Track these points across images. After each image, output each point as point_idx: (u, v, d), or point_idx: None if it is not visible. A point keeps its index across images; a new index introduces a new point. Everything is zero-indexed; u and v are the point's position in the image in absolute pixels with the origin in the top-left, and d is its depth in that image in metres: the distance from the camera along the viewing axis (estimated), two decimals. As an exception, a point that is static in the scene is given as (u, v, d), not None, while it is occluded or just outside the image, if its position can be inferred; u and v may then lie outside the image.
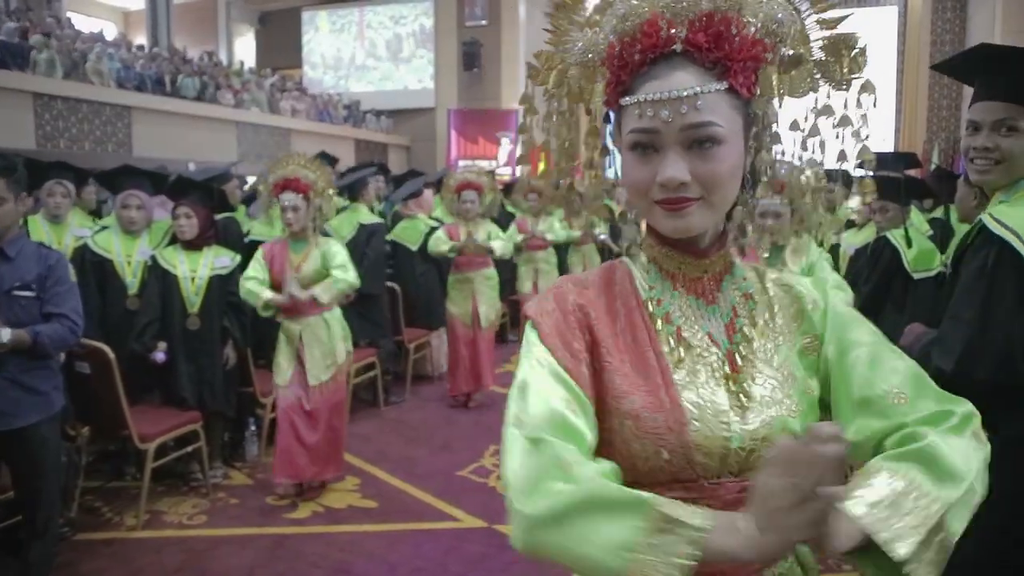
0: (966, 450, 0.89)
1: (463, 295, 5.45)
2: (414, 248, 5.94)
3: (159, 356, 3.77)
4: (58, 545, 3.05)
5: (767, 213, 3.12)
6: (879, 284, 3.58)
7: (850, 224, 5.52)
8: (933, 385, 0.97)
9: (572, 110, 1.09)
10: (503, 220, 7.02)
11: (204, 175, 4.90)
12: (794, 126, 1.05)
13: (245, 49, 21.29)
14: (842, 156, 1.07)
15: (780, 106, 0.98)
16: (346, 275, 3.80)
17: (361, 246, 5.33)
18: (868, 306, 3.30)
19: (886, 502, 0.82)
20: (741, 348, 0.99)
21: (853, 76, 0.98)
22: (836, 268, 5.43)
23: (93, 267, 3.91)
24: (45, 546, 2.79)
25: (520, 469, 0.86)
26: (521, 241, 6.49)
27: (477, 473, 4.20)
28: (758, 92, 0.94)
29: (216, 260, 3.94)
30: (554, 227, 7.01)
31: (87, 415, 3.53)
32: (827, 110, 1.02)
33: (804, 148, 1.03)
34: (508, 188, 8.67)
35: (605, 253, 10.86)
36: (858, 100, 1.01)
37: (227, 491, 3.94)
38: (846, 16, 0.99)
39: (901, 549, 0.79)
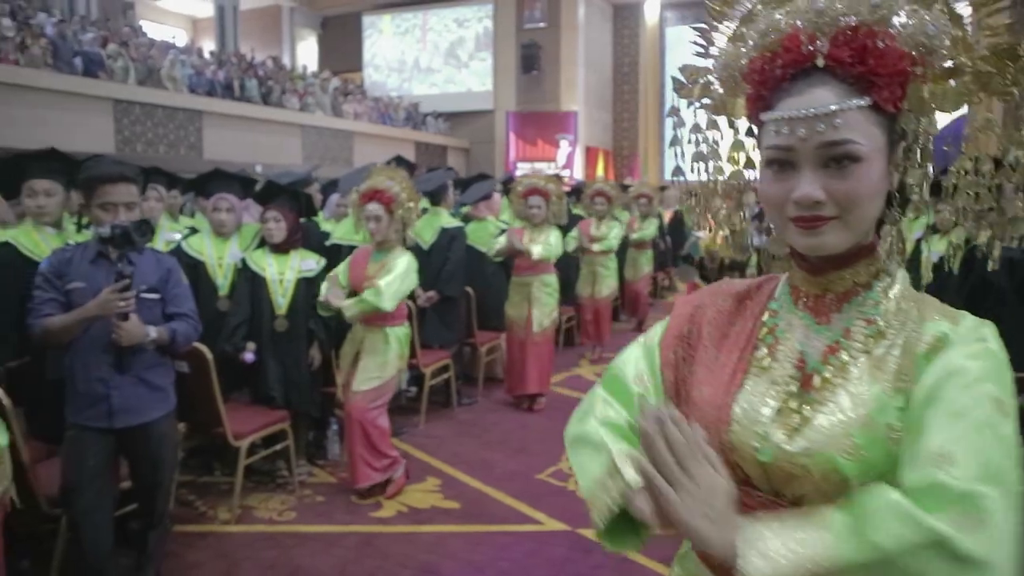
0: (900, 514, 0.76)
1: (520, 298, 5.52)
2: (484, 250, 5.98)
3: (248, 356, 3.88)
4: (169, 534, 3.18)
5: None
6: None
7: (933, 229, 5.36)
8: (992, 468, 0.79)
9: (715, 123, 1.09)
10: (572, 223, 7.04)
11: (287, 179, 5.02)
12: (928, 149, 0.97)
13: (308, 53, 21.75)
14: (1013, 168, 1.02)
15: (932, 121, 0.94)
16: (376, 297, 3.67)
17: (443, 250, 5.41)
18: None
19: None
20: (827, 372, 0.95)
21: (1018, 88, 0.92)
22: (917, 277, 5.31)
23: (187, 269, 3.96)
24: (159, 536, 2.91)
25: (580, 407, 1.16)
26: (572, 250, 6.48)
27: (556, 477, 4.21)
28: (906, 107, 0.91)
29: (303, 263, 4.03)
30: (610, 235, 6.88)
31: (184, 412, 3.64)
32: (989, 124, 0.96)
33: (970, 170, 0.97)
34: (575, 191, 8.67)
35: (665, 256, 10.79)
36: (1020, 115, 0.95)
37: (313, 488, 4.03)
38: (1013, 23, 0.94)
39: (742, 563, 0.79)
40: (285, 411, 3.91)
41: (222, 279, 4.05)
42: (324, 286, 3.86)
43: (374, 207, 3.73)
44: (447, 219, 5.65)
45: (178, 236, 4.29)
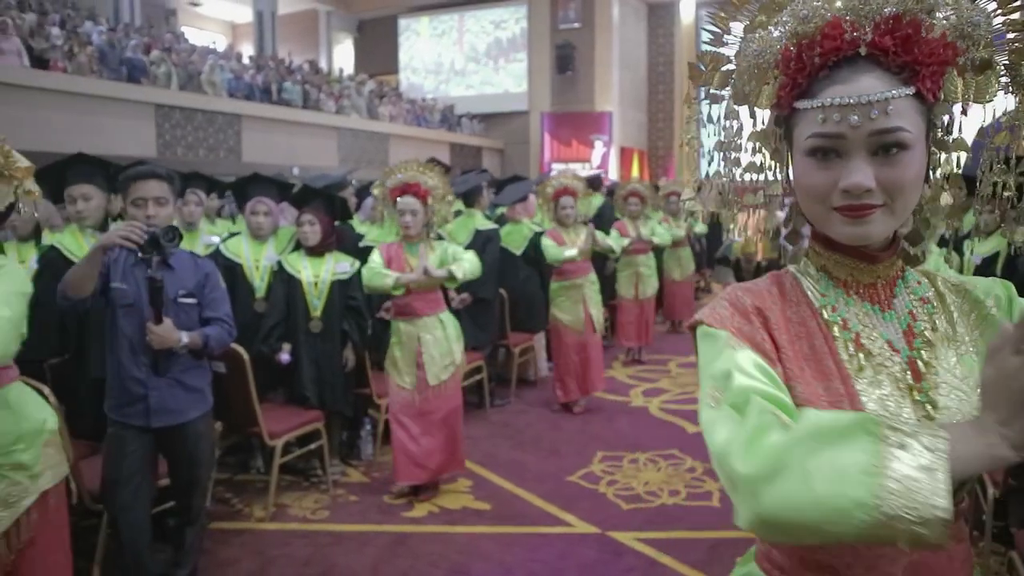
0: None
1: (572, 301, 5.43)
2: (518, 253, 5.99)
3: (284, 357, 3.95)
4: (205, 530, 3.25)
5: None
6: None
7: (977, 230, 5.23)
8: None
9: (735, 112, 1.07)
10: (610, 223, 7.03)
11: (322, 182, 5.09)
12: (981, 134, 0.98)
13: (344, 57, 22.00)
14: None
15: (965, 111, 0.94)
16: (472, 257, 3.94)
17: (478, 252, 5.41)
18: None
19: None
20: (923, 354, 0.97)
21: None
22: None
23: (225, 271, 4.06)
24: (196, 532, 2.98)
25: (730, 435, 0.83)
26: (628, 244, 6.46)
27: (587, 479, 4.21)
28: (942, 97, 0.91)
29: (337, 266, 4.09)
30: (657, 230, 6.93)
31: (221, 412, 3.71)
32: (1021, 116, 0.95)
33: (999, 159, 0.96)
34: (608, 192, 8.64)
35: (701, 257, 10.67)
36: None
37: (346, 488, 4.08)
38: None
39: None
40: (319, 411, 3.97)
41: (259, 281, 4.13)
42: (376, 268, 3.79)
43: (410, 200, 3.75)
44: (481, 221, 5.67)
45: (216, 239, 4.37)
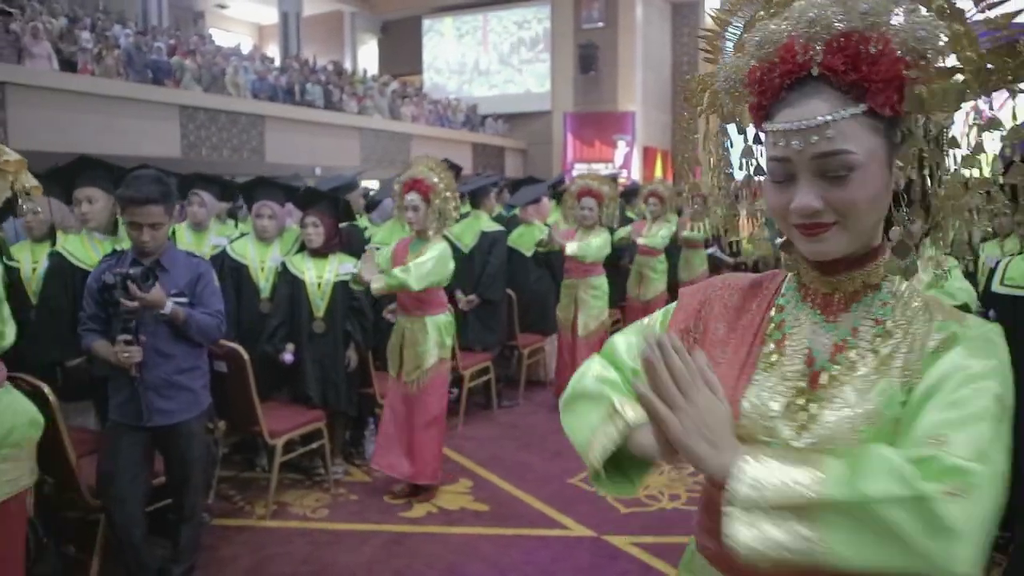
0: (896, 471, 0.78)
1: (567, 300, 5.52)
2: (528, 254, 6.00)
3: (287, 357, 4.00)
4: (202, 529, 3.31)
5: None
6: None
7: (992, 234, 5.14)
8: (983, 453, 0.80)
9: (725, 130, 1.11)
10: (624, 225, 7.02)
11: (331, 184, 5.15)
12: (953, 143, 0.95)
13: (369, 57, 22.16)
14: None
15: (930, 121, 0.92)
16: (405, 273, 3.68)
17: (484, 254, 5.46)
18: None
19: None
20: (834, 370, 0.97)
21: (1020, 83, 0.90)
22: (975, 284, 5.08)
23: (231, 272, 4.20)
24: (191, 530, 3.03)
25: (576, 373, 1.19)
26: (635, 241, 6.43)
27: (587, 481, 4.20)
28: (905, 109, 0.90)
29: (340, 267, 4.13)
30: (657, 234, 6.69)
31: (224, 410, 3.78)
32: (994, 123, 0.93)
33: (970, 166, 0.94)
34: (627, 193, 8.60)
35: (715, 260, 10.59)
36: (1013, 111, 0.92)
37: (347, 487, 4.13)
38: (1016, 14, 0.91)
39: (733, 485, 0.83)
40: (321, 411, 4.02)
41: (264, 282, 4.19)
42: (359, 264, 3.90)
43: (412, 197, 3.80)
44: (487, 223, 5.69)
45: (224, 241, 4.44)
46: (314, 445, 4.06)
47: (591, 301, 5.46)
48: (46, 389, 2.78)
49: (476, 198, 5.69)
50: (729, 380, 1.02)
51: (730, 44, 1.08)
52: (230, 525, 3.66)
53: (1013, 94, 0.91)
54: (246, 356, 3.56)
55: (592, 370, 1.15)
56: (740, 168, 1.10)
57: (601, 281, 5.54)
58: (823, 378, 0.97)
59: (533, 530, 3.64)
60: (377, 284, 3.72)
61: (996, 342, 0.92)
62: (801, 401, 0.97)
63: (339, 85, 16.06)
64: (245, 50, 16.59)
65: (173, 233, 3.74)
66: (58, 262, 3.45)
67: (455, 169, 6.27)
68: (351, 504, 3.92)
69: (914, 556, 0.75)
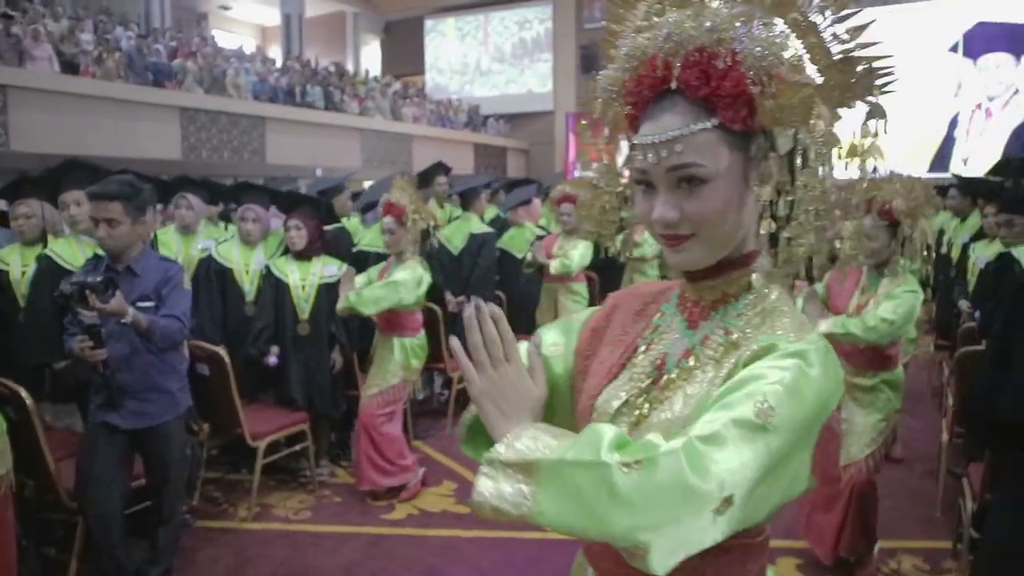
0: (595, 441, 0.81)
1: (547, 304, 5.51)
2: (520, 256, 6.01)
3: (272, 360, 4.03)
4: (181, 531, 3.34)
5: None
6: (1009, 312, 3.30)
7: (980, 235, 5.14)
8: (732, 433, 0.81)
9: (616, 137, 1.12)
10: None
11: (319, 187, 5.17)
12: (802, 159, 0.96)
13: (371, 58, 22.20)
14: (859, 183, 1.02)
15: (783, 136, 0.94)
16: (357, 298, 3.67)
17: (473, 255, 5.47)
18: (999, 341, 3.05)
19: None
20: (675, 374, 1.00)
21: (862, 100, 0.95)
22: (965, 282, 5.07)
23: (216, 275, 4.24)
24: (169, 531, 3.07)
25: None
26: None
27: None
28: (758, 123, 0.93)
29: (324, 269, 4.16)
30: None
31: (207, 413, 3.82)
32: (832, 141, 0.95)
33: (810, 183, 0.96)
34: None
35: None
36: (864, 127, 0.97)
37: (332, 489, 4.15)
38: (866, 25, 0.94)
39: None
40: (305, 413, 4.04)
41: (249, 285, 4.22)
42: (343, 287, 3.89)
43: (387, 220, 3.83)
44: (477, 224, 5.70)
45: (212, 244, 4.47)
46: (297, 447, 4.09)
47: (571, 306, 5.43)
48: (23, 393, 2.82)
49: (466, 200, 5.71)
50: (599, 378, 1.07)
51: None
52: (213, 527, 3.69)
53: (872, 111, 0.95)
54: (227, 359, 3.59)
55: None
56: (623, 176, 1.13)
57: (581, 287, 5.51)
58: (663, 381, 1.00)
59: (513, 532, 3.65)
60: (340, 304, 3.75)
61: (810, 358, 0.88)
62: (639, 401, 1.01)
63: (340, 86, 16.10)
64: (248, 51, 16.65)
65: (155, 239, 3.76)
66: (46, 265, 3.49)
67: (445, 170, 6.31)
68: (334, 506, 3.95)
69: (592, 519, 0.78)
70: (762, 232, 0.98)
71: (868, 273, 3.05)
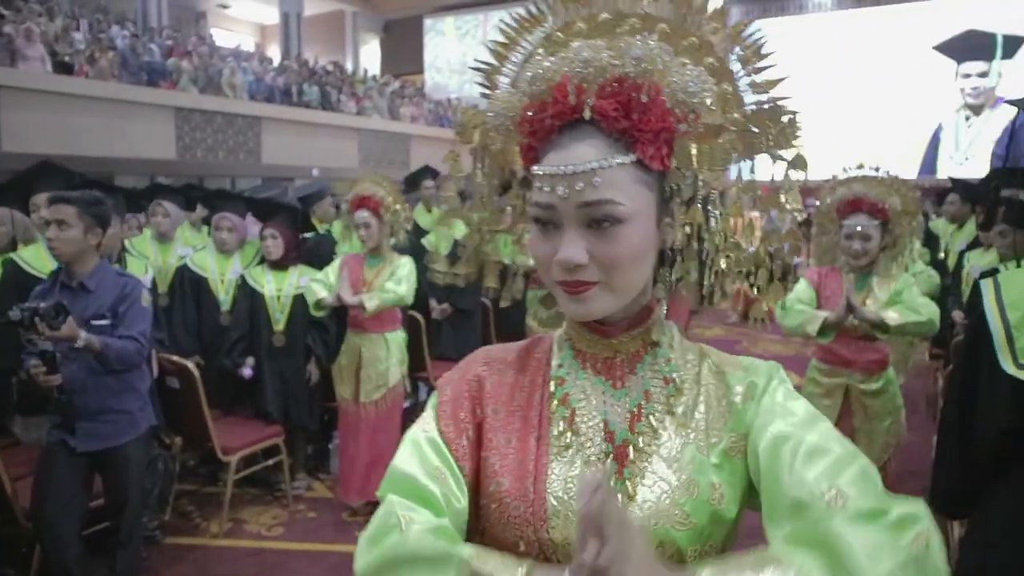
0: (877, 544, 0.70)
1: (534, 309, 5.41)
2: (507, 262, 5.91)
3: (246, 371, 3.95)
4: (142, 552, 3.26)
5: (854, 235, 2.89)
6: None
7: (976, 244, 5.03)
8: (878, 483, 0.79)
9: (495, 172, 1.02)
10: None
11: (301, 193, 5.09)
12: (715, 204, 0.93)
13: (370, 57, 22.14)
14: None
15: (701, 179, 0.89)
16: (397, 287, 3.70)
17: (457, 262, 5.36)
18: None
19: None
20: (640, 440, 0.89)
21: (780, 149, 0.88)
22: (960, 292, 4.97)
23: (191, 284, 4.16)
24: (129, 554, 2.98)
25: (368, 528, 0.86)
26: None
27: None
28: (675, 164, 0.85)
29: (301, 279, 4.07)
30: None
31: (178, 426, 3.74)
32: (750, 187, 0.92)
33: (726, 231, 0.93)
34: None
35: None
36: (786, 176, 0.90)
37: (307, 503, 4.07)
38: (779, 80, 0.90)
39: None
40: (280, 426, 3.96)
41: (224, 295, 4.15)
42: (313, 284, 3.78)
43: (363, 214, 3.71)
44: (462, 230, 5.60)
45: (190, 251, 4.39)
46: (270, 462, 4.01)
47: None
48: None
49: (452, 206, 5.61)
50: (523, 476, 0.88)
51: (506, 80, 1.00)
52: (182, 543, 3.62)
53: (774, 159, 0.89)
54: (196, 373, 3.51)
55: (397, 522, 0.83)
56: (510, 211, 1.02)
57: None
58: (630, 452, 0.88)
59: (489, 550, 3.57)
60: (372, 303, 3.64)
61: (785, 378, 0.92)
62: (615, 483, 0.87)
63: (337, 85, 16.03)
64: (246, 50, 16.59)
65: (122, 253, 3.67)
66: (12, 270, 3.41)
67: (432, 173, 6.22)
68: (308, 522, 3.86)
69: None
70: (674, 277, 0.94)
71: (851, 275, 2.98)
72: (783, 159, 0.89)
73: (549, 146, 0.86)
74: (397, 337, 3.94)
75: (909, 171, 15.81)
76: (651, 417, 0.90)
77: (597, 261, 0.84)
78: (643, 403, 0.91)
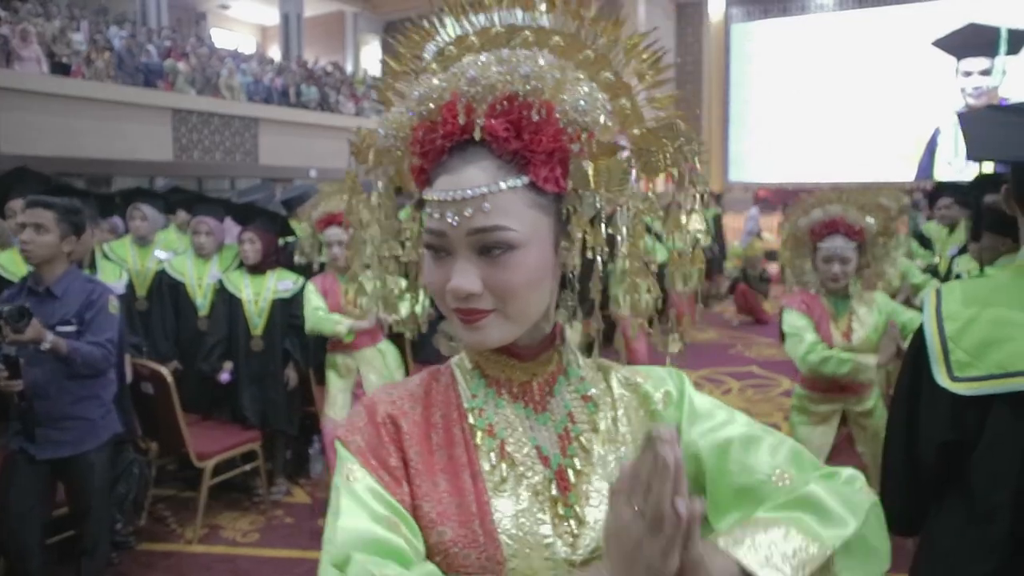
0: (848, 495, 0.85)
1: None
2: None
3: (224, 376, 3.93)
4: (113, 558, 3.25)
5: (832, 258, 2.82)
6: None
7: (965, 249, 4.98)
8: (814, 460, 0.91)
9: (390, 193, 0.97)
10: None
11: (286, 196, 5.07)
12: (614, 227, 0.88)
13: (371, 58, 22.10)
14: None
15: (599, 200, 0.84)
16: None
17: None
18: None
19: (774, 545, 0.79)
20: (576, 462, 0.86)
21: (678, 167, 0.84)
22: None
23: (169, 289, 4.14)
24: (95, 562, 2.95)
25: None
26: None
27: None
28: (570, 185, 0.82)
29: (279, 284, 4.04)
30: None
31: (153, 432, 3.72)
32: (650, 206, 0.86)
33: (628, 248, 0.88)
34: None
35: (714, 263, 10.50)
36: (684, 195, 0.85)
37: (285, 509, 4.05)
38: (674, 97, 0.88)
39: None
40: (257, 431, 3.94)
41: (202, 299, 4.12)
42: (323, 315, 3.67)
43: (335, 231, 3.67)
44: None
45: (167, 255, 4.37)
46: (247, 467, 3.99)
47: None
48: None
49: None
50: (465, 519, 0.82)
51: (398, 98, 0.95)
52: (156, 550, 3.59)
53: (672, 179, 0.85)
54: (170, 378, 3.49)
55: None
56: (407, 237, 0.97)
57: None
58: (570, 475, 0.86)
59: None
60: (371, 319, 3.68)
61: (686, 379, 0.96)
62: (563, 510, 0.84)
63: (336, 86, 16.03)
64: (247, 51, 16.60)
65: (92, 259, 3.65)
66: None
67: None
68: (284, 528, 3.84)
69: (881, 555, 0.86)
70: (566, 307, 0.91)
71: (827, 299, 2.92)
72: (682, 178, 0.84)
73: (441, 168, 0.82)
74: (388, 345, 3.90)
75: (909, 173, 15.77)
76: (580, 438, 0.88)
77: (490, 289, 0.80)
78: (569, 424, 0.89)
